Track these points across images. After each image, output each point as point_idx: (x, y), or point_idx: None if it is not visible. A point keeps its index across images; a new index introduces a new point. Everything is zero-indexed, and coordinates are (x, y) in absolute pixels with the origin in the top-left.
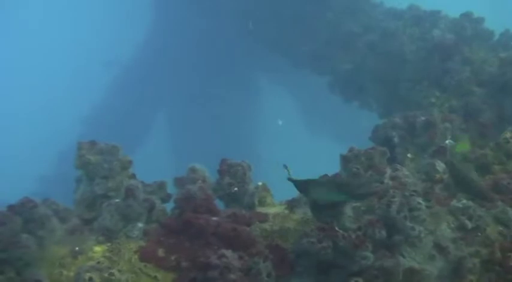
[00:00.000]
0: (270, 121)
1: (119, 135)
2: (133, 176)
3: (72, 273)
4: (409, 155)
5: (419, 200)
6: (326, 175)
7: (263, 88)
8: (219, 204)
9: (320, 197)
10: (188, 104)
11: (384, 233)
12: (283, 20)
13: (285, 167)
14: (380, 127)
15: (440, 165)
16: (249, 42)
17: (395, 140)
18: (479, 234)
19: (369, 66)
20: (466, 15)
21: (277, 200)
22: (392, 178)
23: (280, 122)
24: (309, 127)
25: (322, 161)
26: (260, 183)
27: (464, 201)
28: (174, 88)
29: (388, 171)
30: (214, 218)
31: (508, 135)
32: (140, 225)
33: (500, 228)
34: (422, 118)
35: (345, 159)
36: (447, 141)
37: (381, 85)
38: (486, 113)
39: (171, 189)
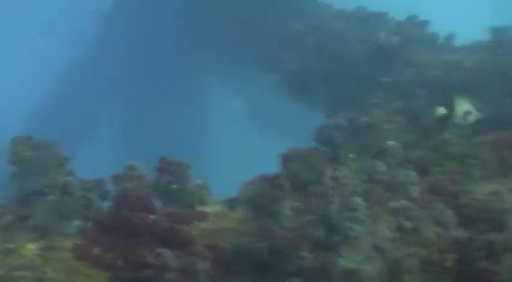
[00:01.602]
0: (217, 120)
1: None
2: (69, 173)
3: (2, 271)
4: (351, 156)
5: (359, 200)
6: (264, 175)
7: (211, 88)
8: (157, 202)
9: None
10: (133, 102)
11: (322, 233)
12: (231, 20)
13: None
14: (324, 127)
15: (381, 166)
16: (197, 42)
17: (338, 140)
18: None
19: (315, 66)
20: (411, 18)
21: (218, 198)
22: (333, 178)
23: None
24: (256, 126)
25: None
26: (200, 182)
27: (403, 201)
28: (119, 87)
29: (328, 171)
30: (152, 216)
31: (447, 137)
32: (76, 223)
33: (438, 229)
34: (365, 119)
35: (285, 159)
36: (390, 143)
37: (327, 85)
38: (430, 115)
39: (109, 187)
